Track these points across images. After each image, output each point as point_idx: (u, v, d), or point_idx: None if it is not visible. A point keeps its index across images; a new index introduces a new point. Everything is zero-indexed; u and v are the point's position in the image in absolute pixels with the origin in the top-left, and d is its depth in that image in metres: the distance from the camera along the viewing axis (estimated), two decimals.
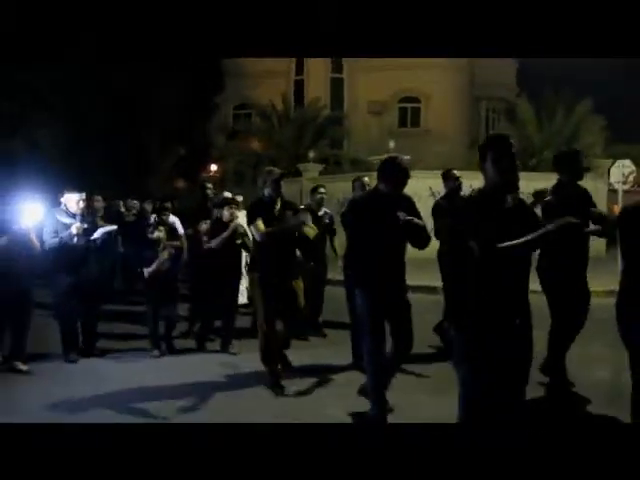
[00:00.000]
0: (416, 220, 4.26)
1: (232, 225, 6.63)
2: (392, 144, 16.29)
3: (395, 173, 4.34)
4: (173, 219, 8.26)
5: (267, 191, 5.48)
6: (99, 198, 9.19)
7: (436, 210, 6.35)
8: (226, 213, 6.71)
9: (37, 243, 6.11)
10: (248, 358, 6.11)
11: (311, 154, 17.54)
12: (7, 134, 17.08)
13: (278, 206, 5.49)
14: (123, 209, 10.75)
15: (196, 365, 6.24)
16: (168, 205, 8.35)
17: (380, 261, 4.34)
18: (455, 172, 6.60)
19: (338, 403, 4.94)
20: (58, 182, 7.17)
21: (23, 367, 5.93)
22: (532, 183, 13.18)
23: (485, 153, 3.14)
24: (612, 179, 12.05)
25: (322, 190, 7.47)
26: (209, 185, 7.85)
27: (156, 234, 6.65)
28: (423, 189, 13.59)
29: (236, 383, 5.64)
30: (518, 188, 3.15)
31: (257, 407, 4.93)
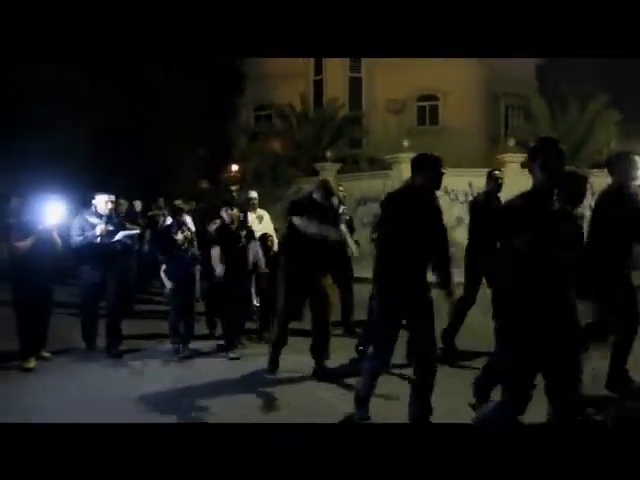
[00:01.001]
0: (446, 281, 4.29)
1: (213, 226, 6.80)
2: (406, 143, 16.37)
3: (430, 167, 4.24)
4: (186, 219, 8.51)
5: (318, 196, 5.70)
6: (122, 201, 9.48)
7: (473, 208, 6.47)
8: (225, 215, 6.75)
9: (59, 242, 6.38)
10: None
11: (328, 154, 17.71)
12: (36, 137, 17.50)
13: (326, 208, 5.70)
14: (140, 209, 10.93)
15: (218, 366, 6.30)
16: (179, 204, 8.61)
17: (412, 259, 4.18)
18: (497, 172, 6.59)
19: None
20: (84, 184, 7.45)
21: (45, 354, 6.35)
22: None
23: (535, 155, 3.22)
24: None
25: (341, 189, 7.39)
26: (233, 187, 7.99)
27: (180, 235, 6.74)
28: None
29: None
30: (553, 191, 3.18)
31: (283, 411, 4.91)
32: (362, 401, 4.44)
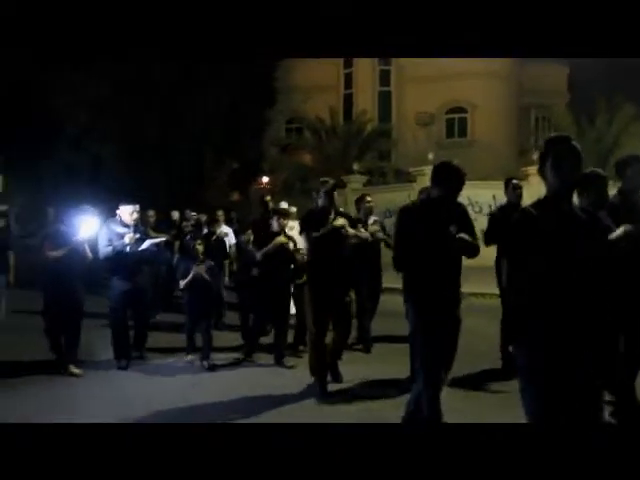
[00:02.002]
0: (465, 237, 3.91)
1: (276, 240, 6.57)
2: (431, 156, 16.56)
3: (449, 178, 4.01)
4: (226, 229, 8.82)
5: (320, 201, 5.53)
6: (152, 213, 9.62)
7: (490, 221, 6.14)
8: (275, 224, 6.74)
9: (90, 254, 6.40)
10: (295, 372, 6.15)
11: (355, 166, 17.98)
12: (70, 148, 17.99)
13: (332, 216, 5.47)
14: (176, 219, 11.23)
15: (238, 378, 6.21)
16: (219, 215, 8.87)
17: (433, 272, 3.97)
18: (515, 181, 6.28)
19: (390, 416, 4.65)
20: (118, 195, 7.66)
21: (76, 370, 6.17)
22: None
23: (544, 157, 2.87)
24: None
25: (369, 199, 7.43)
26: (268, 197, 7.95)
27: (195, 247, 6.74)
28: (462, 199, 13.86)
29: (281, 396, 5.48)
30: (571, 196, 2.88)
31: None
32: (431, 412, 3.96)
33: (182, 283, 6.61)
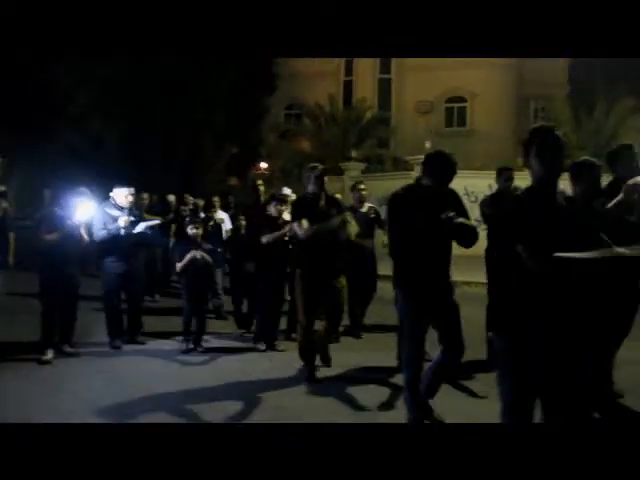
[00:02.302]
0: (465, 221, 3.99)
1: (286, 227, 6.45)
2: (428, 144, 16.64)
3: (441, 167, 4.06)
4: (222, 215, 8.81)
5: (310, 187, 5.42)
6: (145, 195, 9.59)
7: (481, 210, 6.03)
8: (272, 209, 6.67)
9: (86, 237, 6.32)
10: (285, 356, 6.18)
11: (353, 153, 18.03)
12: (72, 130, 17.97)
13: (322, 202, 5.41)
14: (172, 202, 11.19)
15: (230, 361, 6.22)
16: (215, 201, 8.83)
17: (423, 260, 4.02)
18: (508, 171, 6.16)
19: (373, 406, 4.79)
20: (118, 178, 7.65)
21: (71, 349, 6.24)
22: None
23: (529, 147, 2.87)
24: None
25: (362, 186, 7.38)
26: (259, 182, 7.86)
27: (192, 231, 6.64)
28: (459, 188, 13.96)
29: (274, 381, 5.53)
30: (556, 185, 2.89)
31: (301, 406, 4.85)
32: (412, 404, 4.21)
33: (178, 266, 6.55)
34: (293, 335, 6.72)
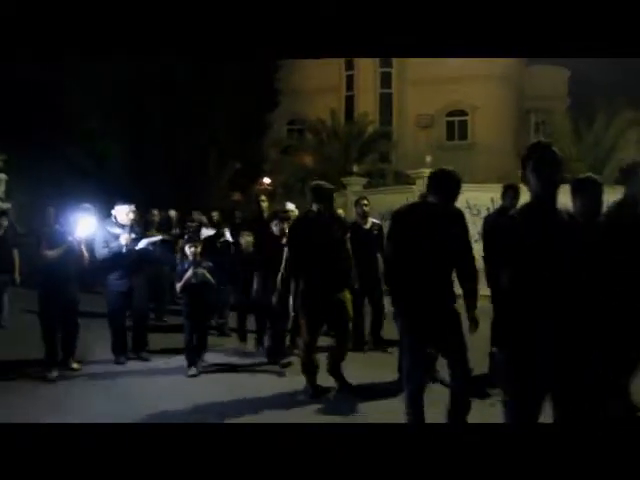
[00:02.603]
0: (473, 314, 4.04)
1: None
2: (429, 159, 16.68)
3: (446, 185, 4.04)
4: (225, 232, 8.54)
5: (315, 207, 5.43)
6: (155, 212, 9.68)
7: (485, 226, 6.03)
8: (275, 228, 6.70)
9: (86, 254, 6.36)
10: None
11: (355, 168, 18.10)
12: (74, 147, 18.08)
13: (324, 220, 5.43)
14: (173, 217, 11.15)
15: (233, 378, 6.22)
16: (213, 216, 8.82)
17: (423, 281, 3.98)
18: (514, 188, 6.00)
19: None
20: (121, 194, 7.64)
21: (75, 365, 6.33)
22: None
23: (526, 162, 2.93)
24: None
25: (364, 202, 7.32)
26: (263, 197, 7.90)
27: (190, 249, 6.51)
28: (461, 201, 14.01)
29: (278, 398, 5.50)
30: (554, 200, 2.91)
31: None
32: (412, 419, 4.13)
33: (178, 286, 6.49)
34: (295, 351, 6.65)
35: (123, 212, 6.68)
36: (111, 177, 17.20)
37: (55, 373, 6.06)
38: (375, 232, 7.20)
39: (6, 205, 15.06)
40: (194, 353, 6.38)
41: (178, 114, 18.44)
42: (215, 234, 8.38)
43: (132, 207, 6.78)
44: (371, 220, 7.31)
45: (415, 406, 4.11)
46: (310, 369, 5.54)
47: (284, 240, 6.38)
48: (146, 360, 6.72)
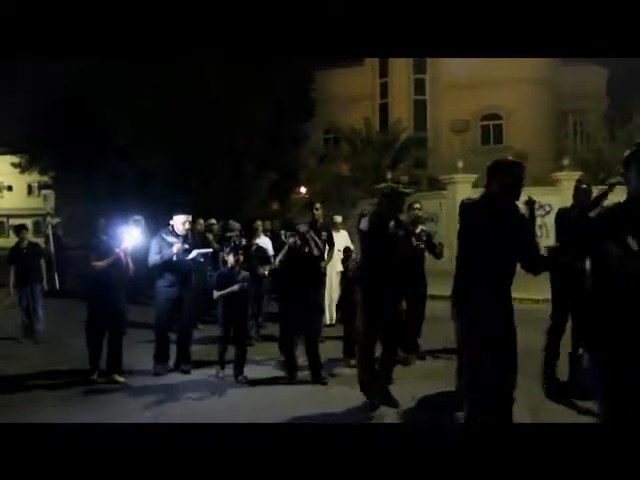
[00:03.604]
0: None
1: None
2: (460, 164, 16.83)
3: (505, 173, 3.75)
4: (264, 240, 8.81)
5: (379, 208, 5.22)
6: (201, 221, 9.84)
7: (559, 220, 5.89)
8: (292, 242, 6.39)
9: (132, 265, 6.49)
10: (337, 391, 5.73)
11: (389, 175, 18.33)
12: (118, 161, 18.75)
13: (392, 224, 5.20)
14: (216, 229, 11.37)
15: (276, 395, 5.82)
16: (258, 225, 8.99)
17: (491, 279, 3.74)
18: (584, 187, 5.89)
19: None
20: (163, 206, 7.79)
21: (120, 379, 6.26)
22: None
23: (629, 162, 2.87)
24: None
25: (417, 206, 7.13)
26: (317, 206, 7.84)
27: (230, 258, 6.48)
28: None
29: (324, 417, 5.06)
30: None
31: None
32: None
33: (216, 294, 6.37)
34: (352, 361, 6.34)
35: (180, 222, 6.72)
36: (155, 190, 17.75)
37: (95, 376, 6.22)
38: (424, 238, 6.91)
39: (55, 220, 15.74)
40: (226, 362, 6.32)
41: (217, 127, 18.91)
42: (248, 242, 8.57)
43: (189, 217, 6.84)
44: (420, 227, 7.09)
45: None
46: (371, 383, 5.26)
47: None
48: (187, 372, 6.61)
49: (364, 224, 5.19)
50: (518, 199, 3.81)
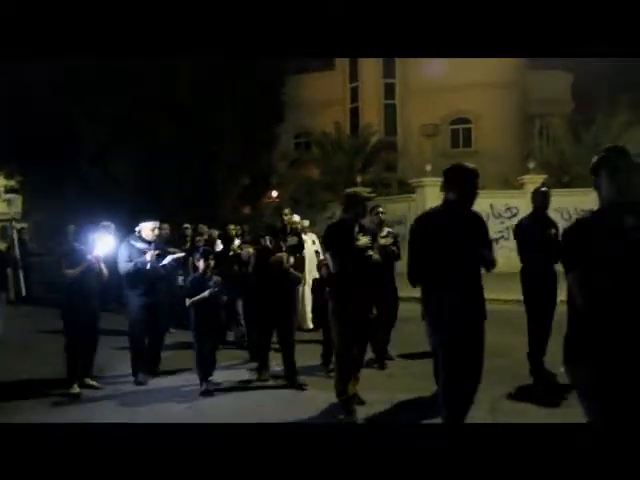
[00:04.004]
0: (488, 254, 3.94)
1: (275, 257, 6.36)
2: (429, 167, 17.07)
3: (466, 181, 3.86)
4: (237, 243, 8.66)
5: (349, 214, 5.26)
6: (166, 226, 9.52)
7: (518, 229, 6.13)
8: (269, 242, 6.46)
9: (105, 272, 6.39)
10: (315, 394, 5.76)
11: (359, 178, 18.45)
12: (87, 166, 18.56)
13: (357, 230, 5.22)
14: (189, 233, 11.26)
15: (243, 401, 5.86)
16: (230, 229, 9.11)
17: (455, 285, 3.80)
18: (544, 189, 6.18)
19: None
20: (133, 211, 7.69)
21: (92, 382, 6.33)
22: (571, 199, 13.43)
23: (598, 167, 2.78)
24: None
25: (380, 209, 7.12)
26: (285, 211, 7.83)
27: (201, 264, 6.35)
28: None
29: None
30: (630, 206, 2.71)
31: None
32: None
33: (188, 302, 6.29)
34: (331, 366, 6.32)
35: (148, 228, 6.69)
36: (124, 195, 17.59)
37: (77, 389, 6.12)
38: (391, 241, 7.00)
39: (20, 225, 15.49)
40: (206, 369, 6.17)
41: (186, 131, 18.82)
42: (224, 247, 8.59)
43: (157, 223, 6.79)
44: (386, 229, 7.15)
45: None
46: (347, 388, 5.26)
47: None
48: (158, 375, 6.68)
49: (331, 230, 5.27)
50: (472, 204, 3.92)
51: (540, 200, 6.21)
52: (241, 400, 5.91)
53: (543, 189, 6.38)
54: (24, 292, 13.82)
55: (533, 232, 6.00)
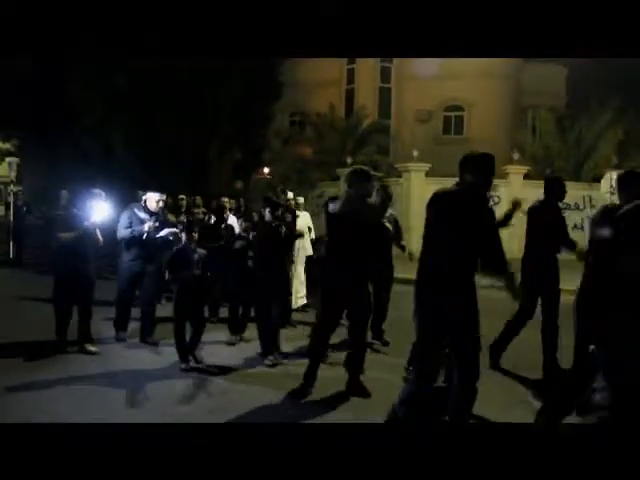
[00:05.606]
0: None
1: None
2: (416, 153, 17.46)
3: (478, 167, 3.83)
4: (232, 220, 8.41)
5: (352, 191, 5.06)
6: (163, 197, 10.08)
7: (529, 215, 5.99)
8: (267, 214, 6.36)
9: (100, 239, 6.38)
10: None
11: (349, 160, 18.73)
12: (85, 138, 18.76)
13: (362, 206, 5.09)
14: (184, 204, 11.38)
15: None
16: (224, 202, 8.79)
17: (457, 265, 3.79)
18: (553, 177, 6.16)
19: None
20: (128, 180, 7.60)
21: (92, 348, 6.26)
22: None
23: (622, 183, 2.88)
24: (602, 190, 12.33)
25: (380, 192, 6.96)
26: (279, 188, 7.89)
27: (184, 236, 6.19)
28: None
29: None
30: None
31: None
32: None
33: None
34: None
35: (153, 199, 6.74)
36: (120, 164, 17.83)
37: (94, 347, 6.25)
38: (391, 221, 6.82)
39: (17, 188, 15.72)
40: (186, 346, 5.92)
41: (183, 104, 19.00)
42: (217, 220, 8.51)
43: (162, 196, 6.80)
44: (389, 211, 6.82)
45: (410, 407, 3.91)
46: (315, 353, 5.25)
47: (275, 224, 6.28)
48: (154, 344, 6.62)
49: (334, 207, 5.07)
50: (489, 188, 3.99)
51: (556, 190, 6.10)
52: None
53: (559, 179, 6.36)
54: (13, 255, 14.13)
55: (546, 220, 5.91)
